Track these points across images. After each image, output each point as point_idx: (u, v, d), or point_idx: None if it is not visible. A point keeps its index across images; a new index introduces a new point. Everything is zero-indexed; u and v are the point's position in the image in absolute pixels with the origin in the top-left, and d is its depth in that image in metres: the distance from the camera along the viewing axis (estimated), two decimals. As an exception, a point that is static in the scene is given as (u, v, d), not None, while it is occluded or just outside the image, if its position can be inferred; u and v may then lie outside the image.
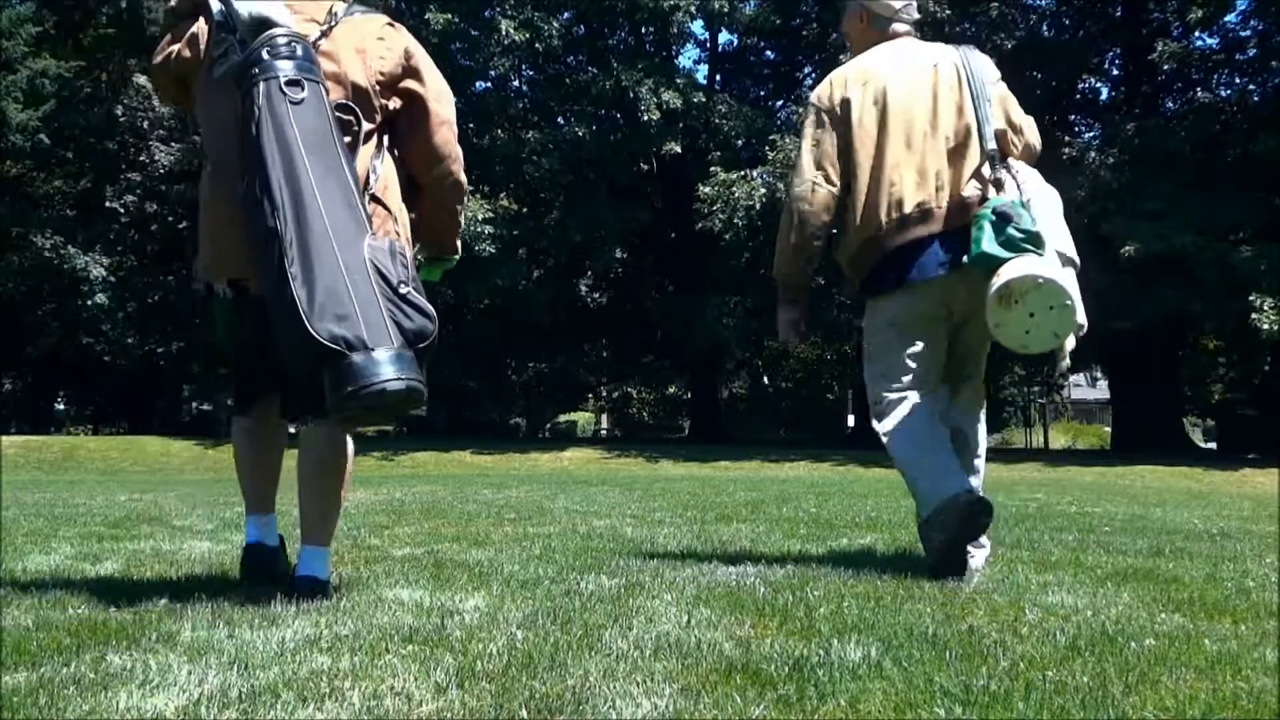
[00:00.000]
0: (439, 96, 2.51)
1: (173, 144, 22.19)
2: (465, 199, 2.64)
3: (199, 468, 18.12)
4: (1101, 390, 36.04)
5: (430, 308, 2.27)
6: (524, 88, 23.28)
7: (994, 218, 2.65)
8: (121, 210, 22.75)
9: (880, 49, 2.98)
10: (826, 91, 2.94)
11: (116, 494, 7.95)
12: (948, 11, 20.00)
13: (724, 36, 24.35)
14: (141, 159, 22.36)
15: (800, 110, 19.89)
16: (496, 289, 20.57)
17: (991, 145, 2.81)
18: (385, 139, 2.46)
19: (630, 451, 20.14)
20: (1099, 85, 23.24)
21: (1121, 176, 18.19)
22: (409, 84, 2.47)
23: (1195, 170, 18.42)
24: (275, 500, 2.72)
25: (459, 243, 2.72)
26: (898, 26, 3.01)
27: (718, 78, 24.63)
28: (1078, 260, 2.73)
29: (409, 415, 2.30)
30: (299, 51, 2.28)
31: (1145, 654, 1.91)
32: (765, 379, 35.80)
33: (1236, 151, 17.78)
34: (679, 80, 20.73)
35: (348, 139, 2.32)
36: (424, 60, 2.51)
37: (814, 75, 23.56)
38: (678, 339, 22.83)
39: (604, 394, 34.87)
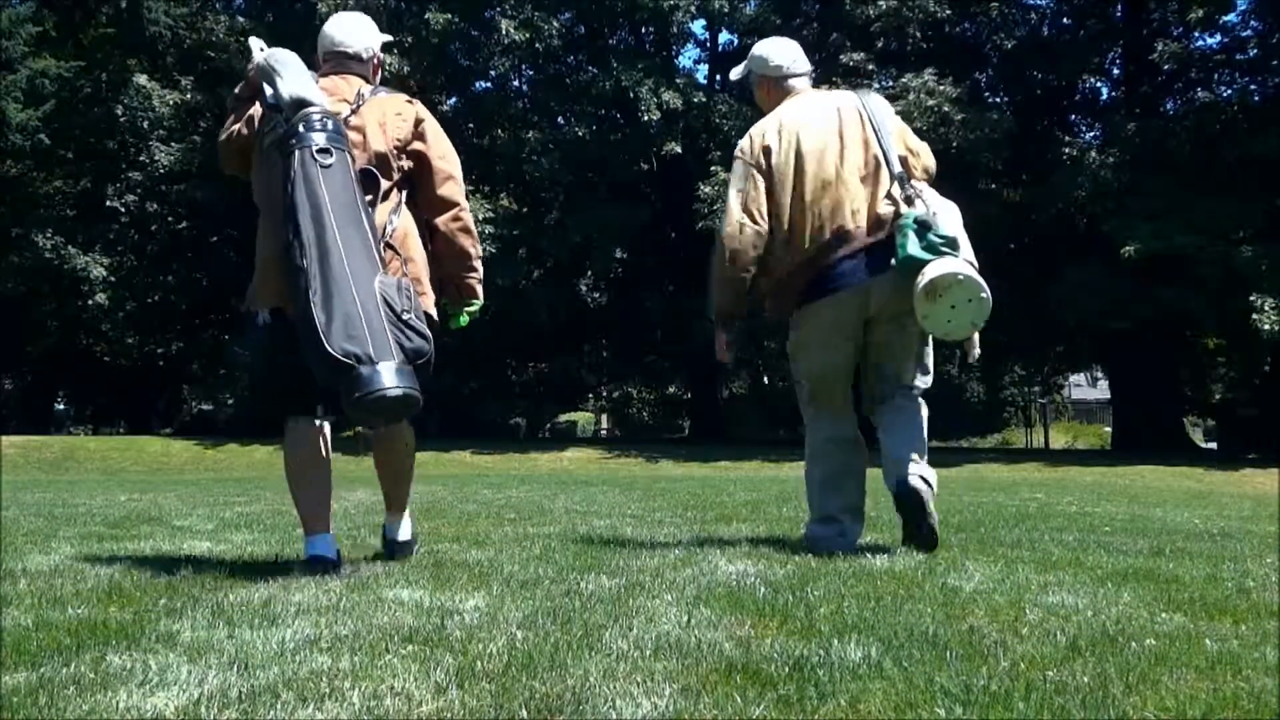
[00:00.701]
0: (442, 155, 3.04)
1: (173, 144, 22.18)
2: (476, 245, 3.12)
3: (199, 468, 18.12)
4: (1101, 390, 36.05)
5: (428, 331, 2.76)
6: (524, 88, 23.29)
7: (915, 226, 3.11)
8: (122, 210, 22.74)
9: (788, 103, 3.42)
10: (749, 145, 3.35)
11: (116, 494, 7.95)
12: (948, 12, 19.99)
13: (724, 36, 24.37)
14: (142, 159, 22.34)
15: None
16: (497, 288, 20.57)
17: (898, 169, 3.26)
18: (404, 197, 3.00)
19: (630, 451, 20.14)
20: (1099, 85, 23.24)
21: (1121, 176, 18.18)
22: (416, 145, 3.00)
23: (1195, 170, 18.40)
24: (330, 521, 3.02)
25: (480, 287, 3.14)
26: (793, 82, 3.48)
27: (718, 78, 24.63)
28: (976, 264, 3.23)
29: (409, 416, 2.80)
30: (329, 126, 2.79)
31: (1146, 654, 1.91)
32: (765, 379, 35.80)
33: (1236, 151, 17.77)
34: (679, 80, 20.72)
35: (369, 197, 2.84)
36: (431, 126, 3.04)
37: (813, 75, 23.51)
38: (678, 339, 22.82)
39: (604, 394, 34.84)
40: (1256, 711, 1.58)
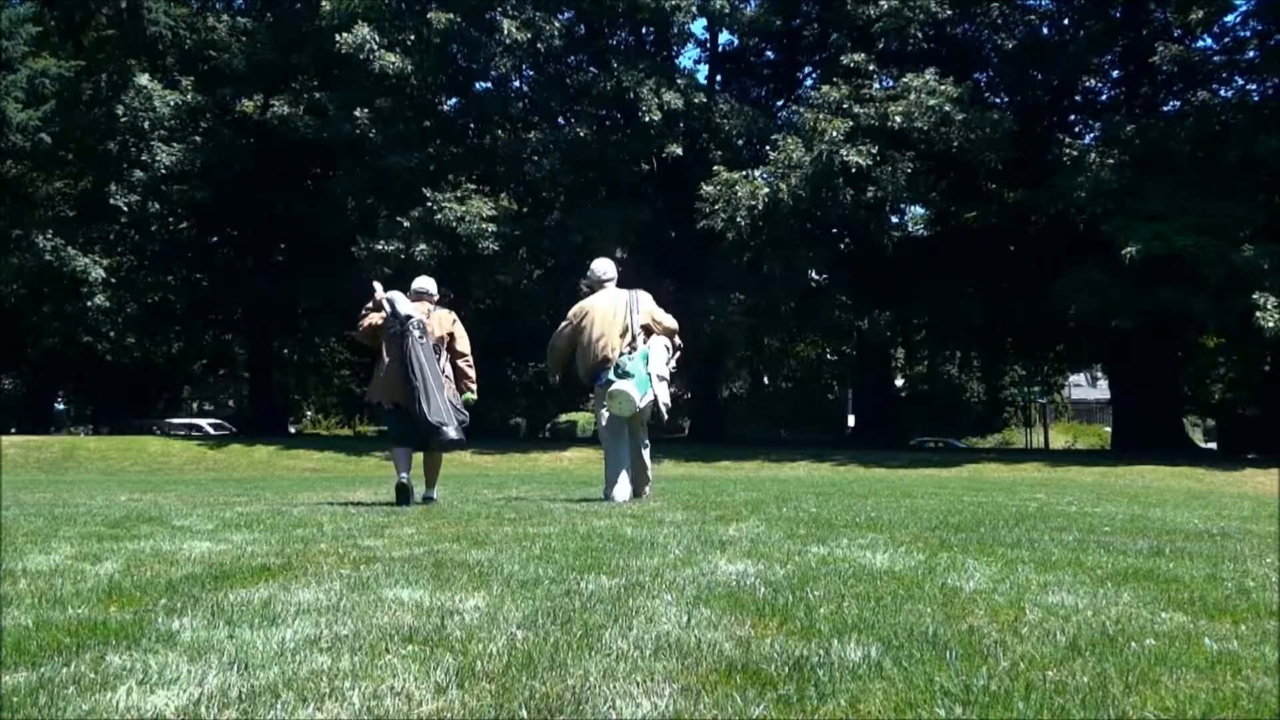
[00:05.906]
0: (461, 336, 6.48)
1: (174, 144, 22.15)
2: (473, 370, 6.52)
3: (199, 468, 18.11)
4: (1101, 390, 36.07)
5: (466, 412, 6.38)
6: (525, 88, 23.26)
7: (614, 364, 6.12)
8: (125, 208, 22.69)
9: (599, 294, 6.42)
10: (573, 311, 6.41)
11: (116, 494, 7.96)
12: (949, 12, 19.99)
13: (724, 37, 24.35)
14: (144, 158, 22.30)
15: (800, 111, 19.92)
16: (498, 287, 20.58)
17: (636, 331, 6.21)
18: (447, 354, 6.38)
19: (630, 451, 20.05)
20: (1099, 85, 23.23)
21: (1121, 176, 18.17)
22: (452, 329, 6.43)
23: (1195, 170, 18.39)
24: (409, 471, 6.33)
25: (475, 389, 6.55)
26: (606, 283, 6.46)
27: (718, 78, 24.62)
28: (666, 374, 6.30)
29: (462, 447, 6.51)
30: (421, 325, 6.17)
31: (1145, 654, 1.91)
32: (765, 379, 35.82)
33: (1237, 151, 17.76)
34: (680, 80, 20.71)
35: (437, 353, 6.26)
36: (458, 325, 6.50)
37: (814, 75, 23.55)
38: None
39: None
40: (1256, 711, 1.58)
